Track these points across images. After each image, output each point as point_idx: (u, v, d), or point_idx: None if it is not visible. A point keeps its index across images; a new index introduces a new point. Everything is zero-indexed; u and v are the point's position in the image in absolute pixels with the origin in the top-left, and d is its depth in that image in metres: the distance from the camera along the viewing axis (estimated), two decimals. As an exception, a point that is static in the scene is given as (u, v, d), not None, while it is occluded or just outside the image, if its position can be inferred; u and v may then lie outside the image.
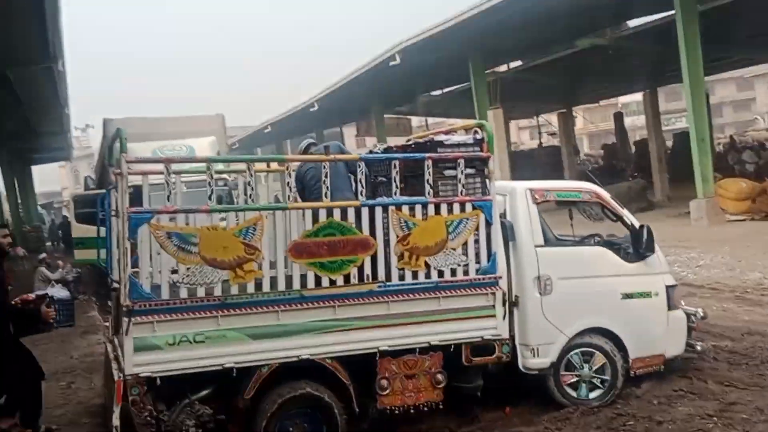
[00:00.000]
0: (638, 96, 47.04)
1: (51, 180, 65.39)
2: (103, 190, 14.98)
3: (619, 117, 38.55)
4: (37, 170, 45.45)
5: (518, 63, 29.49)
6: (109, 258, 6.28)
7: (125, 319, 5.18)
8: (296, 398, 5.61)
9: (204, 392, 5.61)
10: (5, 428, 5.95)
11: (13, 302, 6.57)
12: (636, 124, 55.06)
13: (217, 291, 5.43)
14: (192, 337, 5.35)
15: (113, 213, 6.08)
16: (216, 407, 5.77)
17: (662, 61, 26.48)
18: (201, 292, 5.39)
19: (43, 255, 15.58)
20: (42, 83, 21.16)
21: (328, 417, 5.69)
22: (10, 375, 5.90)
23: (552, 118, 43.74)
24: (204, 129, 16.35)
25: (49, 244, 33.04)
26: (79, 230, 15.05)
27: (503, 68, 28.99)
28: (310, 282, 5.66)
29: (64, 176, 70.67)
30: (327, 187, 5.75)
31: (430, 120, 38.84)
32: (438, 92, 33.75)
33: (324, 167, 5.75)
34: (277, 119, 38.71)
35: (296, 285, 5.64)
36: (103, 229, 6.99)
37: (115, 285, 5.90)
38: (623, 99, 52.84)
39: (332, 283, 5.71)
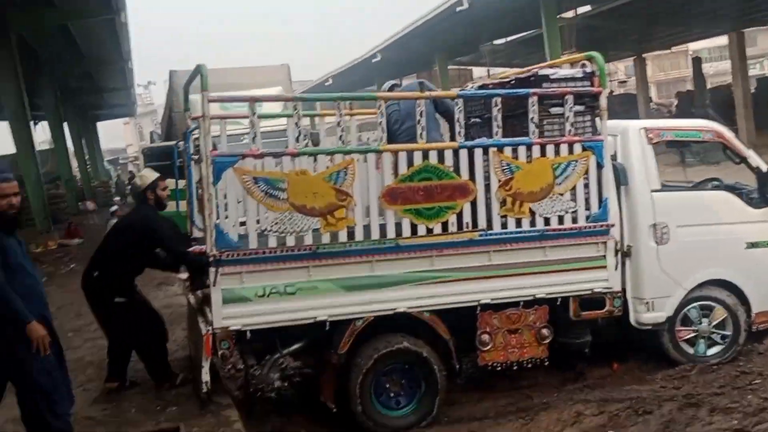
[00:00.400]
0: (710, 43, 44.87)
1: (115, 137, 66.56)
2: (173, 142, 14.90)
3: (697, 62, 36.59)
4: (101, 127, 46.27)
5: (587, 8, 28.06)
6: (191, 207, 5.96)
7: (212, 270, 4.86)
8: (393, 353, 5.25)
9: (295, 346, 5.31)
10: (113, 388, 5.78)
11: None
12: (707, 72, 52.58)
13: (308, 240, 5.06)
14: (282, 289, 5.01)
15: (195, 158, 5.70)
16: (307, 362, 5.49)
17: (746, 1, 24.82)
18: (291, 241, 5.03)
19: (115, 208, 15.56)
20: (104, 36, 21.12)
21: (426, 373, 5.33)
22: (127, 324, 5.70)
23: (619, 66, 42.03)
24: (270, 79, 15.99)
25: (117, 198, 33.60)
26: (150, 183, 14.94)
27: (570, 14, 27.63)
28: (406, 230, 5.24)
29: (128, 133, 71.88)
30: (422, 127, 5.26)
31: (492, 71, 37.68)
32: (502, 41, 32.53)
33: (418, 105, 5.25)
34: (339, 71, 38.14)
35: (391, 234, 5.21)
36: (182, 182, 6.67)
37: (197, 235, 5.60)
38: (693, 46, 50.33)
39: (429, 231, 5.28)
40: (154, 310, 5.89)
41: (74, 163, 31.98)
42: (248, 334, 4.99)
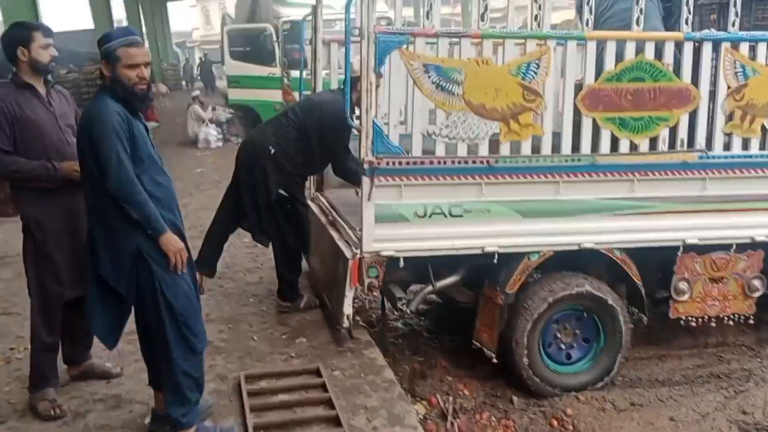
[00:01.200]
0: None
1: (180, 21, 65.23)
2: (260, 24, 13.73)
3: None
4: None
5: None
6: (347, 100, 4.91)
7: (366, 179, 3.85)
8: (572, 297, 4.24)
9: (450, 279, 4.35)
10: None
11: None
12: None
13: (483, 150, 3.99)
14: (447, 209, 3.99)
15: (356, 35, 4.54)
16: (462, 298, 4.55)
17: None
18: (462, 150, 3.97)
19: (197, 93, 14.68)
20: None
21: (609, 324, 4.32)
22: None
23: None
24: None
25: (184, 83, 32.82)
26: (234, 68, 13.93)
27: None
28: (604, 145, 4.12)
29: (194, 16, 70.47)
30: (640, 10, 4.03)
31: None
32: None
33: (638, -18, 4.00)
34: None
35: (585, 148, 4.10)
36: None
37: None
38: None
39: (633, 148, 4.14)
40: (308, 220, 4.95)
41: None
42: (401, 262, 4.02)
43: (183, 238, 3.09)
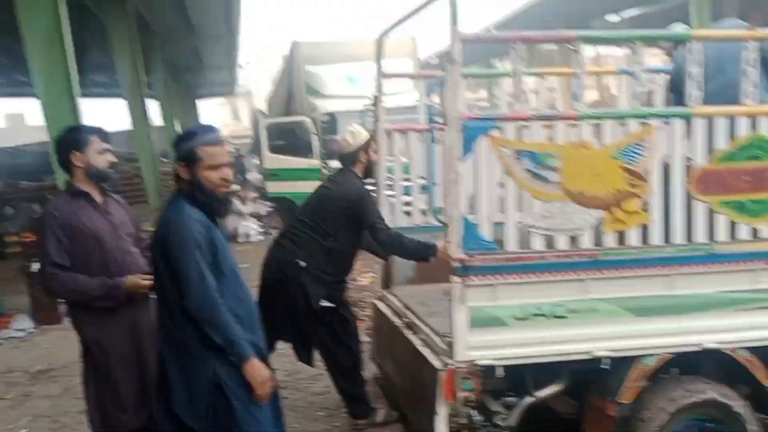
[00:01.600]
0: None
1: (210, 119, 66.86)
2: (298, 118, 13.73)
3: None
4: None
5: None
6: (431, 190, 4.59)
7: (457, 280, 3.42)
8: (695, 405, 3.69)
9: (553, 388, 3.83)
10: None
11: None
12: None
13: (586, 242, 3.56)
14: (549, 310, 3.53)
15: (438, 125, 4.21)
16: (567, 409, 4.01)
17: None
18: (562, 243, 3.54)
19: (236, 187, 14.59)
20: (215, 6, 20.12)
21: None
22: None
23: None
24: (394, 52, 14.60)
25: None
26: (273, 161, 13.84)
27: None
28: (721, 232, 3.66)
29: (223, 113, 72.35)
30: (753, 84, 3.64)
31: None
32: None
33: (745, 49, 3.63)
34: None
35: (700, 236, 3.65)
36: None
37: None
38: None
39: (754, 234, 3.68)
40: (356, 325, 4.53)
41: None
42: (499, 371, 3.53)
43: (267, 362, 2.65)
